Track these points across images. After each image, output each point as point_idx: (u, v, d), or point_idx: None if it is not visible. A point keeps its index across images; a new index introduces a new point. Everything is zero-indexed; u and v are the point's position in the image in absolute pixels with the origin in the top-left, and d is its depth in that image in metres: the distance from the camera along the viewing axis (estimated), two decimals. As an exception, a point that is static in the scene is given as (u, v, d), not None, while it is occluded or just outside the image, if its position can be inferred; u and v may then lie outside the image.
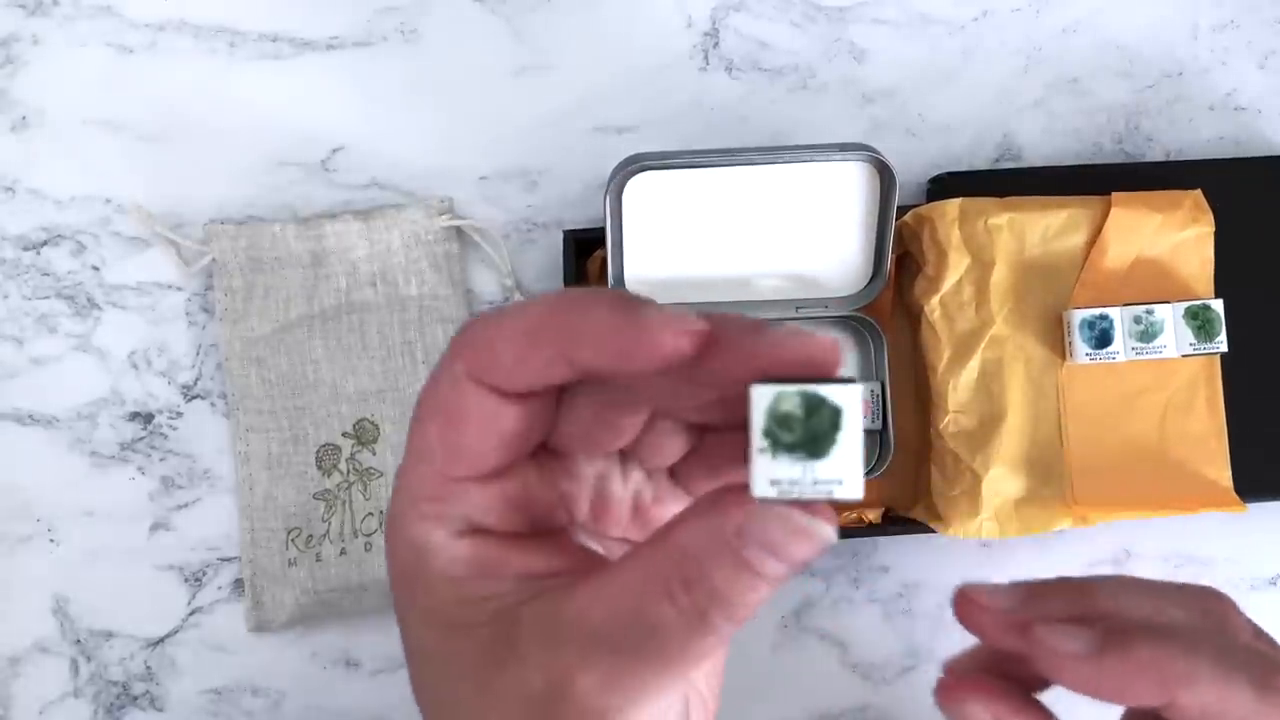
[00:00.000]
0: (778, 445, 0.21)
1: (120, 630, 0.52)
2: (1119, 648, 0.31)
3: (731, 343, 0.22)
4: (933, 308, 0.50)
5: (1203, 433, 0.51)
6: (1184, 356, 0.50)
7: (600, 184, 0.51)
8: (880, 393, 0.51)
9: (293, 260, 0.52)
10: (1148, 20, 0.57)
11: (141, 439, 0.53)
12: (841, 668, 0.54)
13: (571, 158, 0.55)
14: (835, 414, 0.21)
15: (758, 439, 0.21)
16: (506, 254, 0.54)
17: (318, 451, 0.52)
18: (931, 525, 0.50)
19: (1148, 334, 0.49)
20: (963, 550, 0.54)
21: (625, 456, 0.27)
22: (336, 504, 0.52)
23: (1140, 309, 0.49)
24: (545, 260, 0.54)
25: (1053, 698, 0.34)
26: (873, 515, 0.51)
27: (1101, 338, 0.49)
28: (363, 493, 0.52)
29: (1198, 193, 0.51)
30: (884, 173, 0.48)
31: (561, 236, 0.51)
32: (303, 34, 0.55)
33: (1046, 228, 0.50)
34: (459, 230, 0.53)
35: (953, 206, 0.50)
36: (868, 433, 0.51)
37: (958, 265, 0.50)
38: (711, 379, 0.23)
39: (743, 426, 0.22)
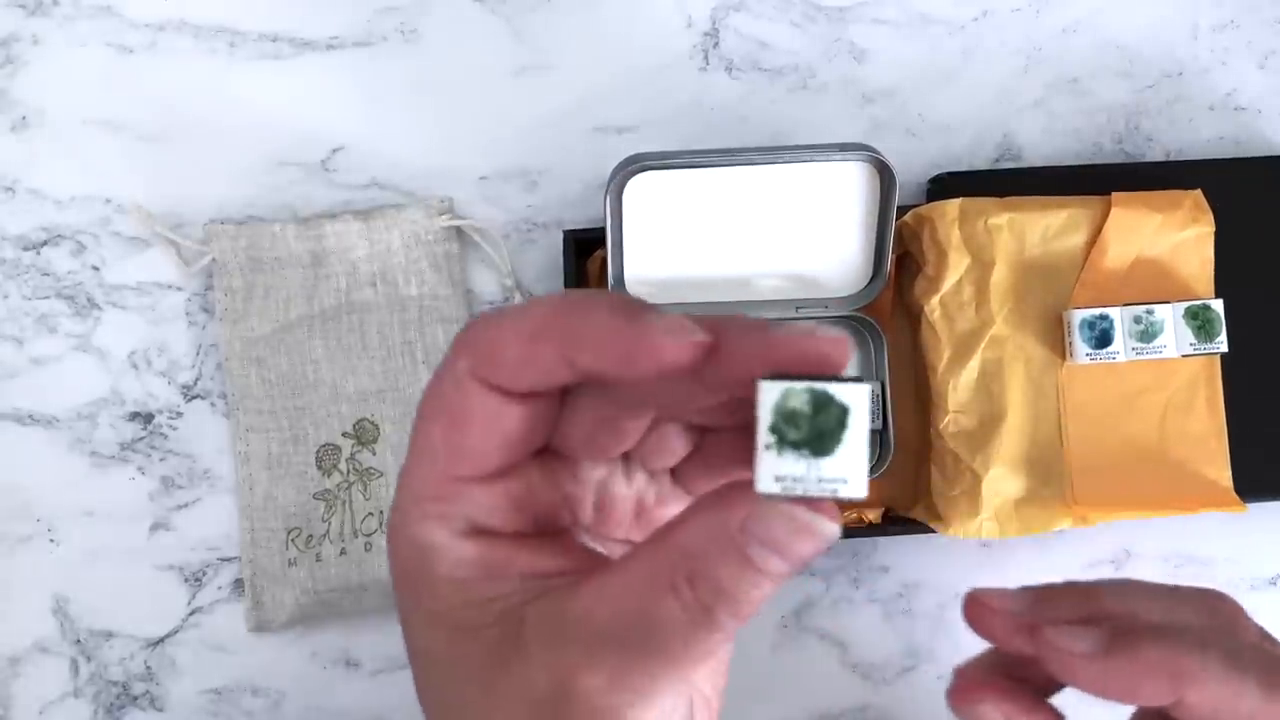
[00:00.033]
0: (783, 442, 0.21)
1: (120, 630, 0.52)
2: (1128, 647, 0.31)
3: (735, 347, 0.22)
4: (933, 308, 0.50)
5: (1203, 433, 0.51)
6: (1184, 356, 0.50)
7: (600, 184, 0.51)
8: (880, 393, 0.51)
9: (293, 260, 0.52)
10: (1148, 20, 0.57)
11: (141, 439, 0.53)
12: (841, 668, 0.54)
13: (571, 158, 0.55)
14: (843, 412, 0.21)
15: (764, 435, 0.21)
16: (506, 254, 0.54)
17: (318, 451, 0.52)
18: (931, 525, 0.50)
19: (1148, 334, 0.49)
20: (963, 550, 0.54)
21: (628, 458, 0.27)
22: (336, 504, 0.52)
23: (1140, 309, 0.49)
24: (545, 260, 0.54)
25: (1059, 704, 0.35)
26: (873, 515, 0.51)
27: (1101, 338, 0.49)
28: (363, 493, 0.52)
29: (1198, 193, 0.51)
30: (884, 173, 0.48)
31: (561, 236, 0.51)
32: (303, 34, 0.55)
33: (1046, 228, 0.50)
34: (459, 230, 0.53)
35: (953, 206, 0.50)
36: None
37: (958, 265, 0.50)
38: (715, 383, 0.23)
39: (746, 429, 0.22)
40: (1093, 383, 0.50)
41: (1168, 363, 0.50)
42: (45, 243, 0.53)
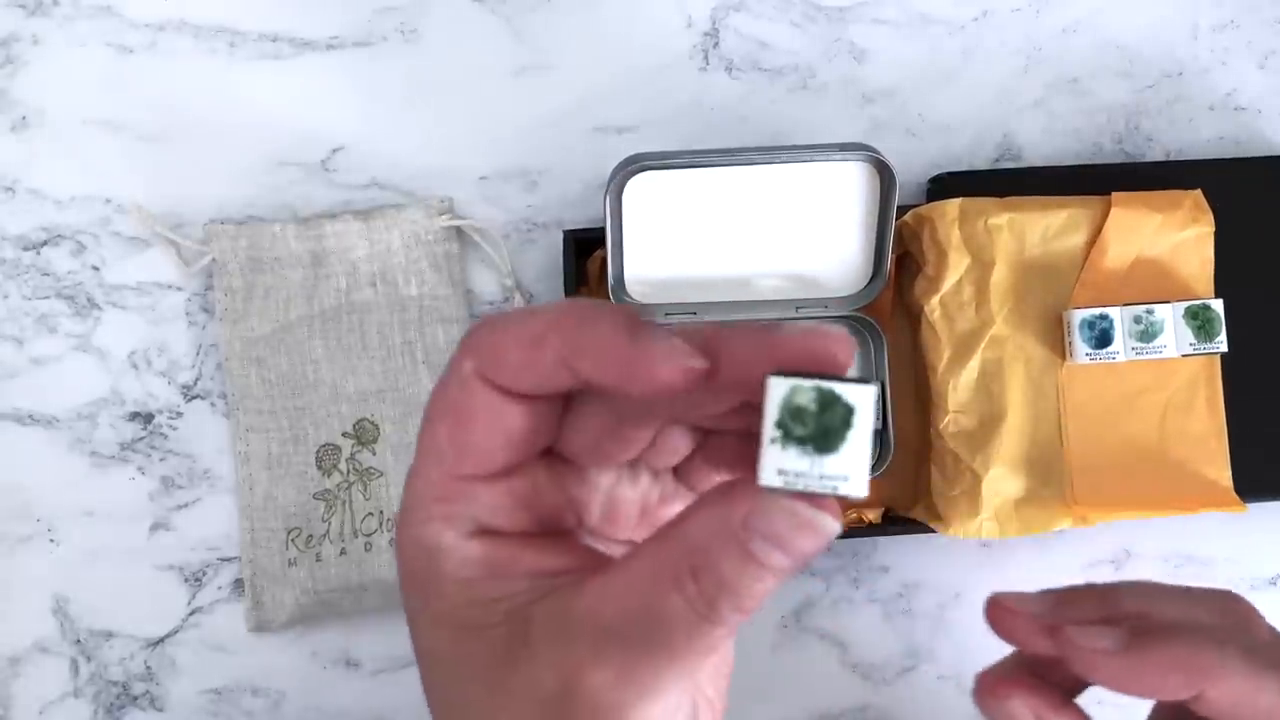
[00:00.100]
0: (788, 437, 0.22)
1: (120, 630, 0.52)
2: (1149, 644, 0.32)
3: (737, 356, 0.22)
4: (933, 308, 0.50)
5: (1203, 433, 0.51)
6: (1184, 356, 0.50)
7: (600, 184, 0.51)
8: (880, 393, 0.51)
9: (293, 260, 0.52)
10: (1148, 20, 0.57)
11: (141, 439, 0.53)
12: (841, 668, 0.54)
13: (571, 158, 0.55)
14: (848, 412, 0.22)
15: (769, 429, 0.22)
16: (506, 254, 0.54)
17: (318, 451, 0.52)
18: (931, 525, 0.50)
19: (1148, 334, 0.49)
20: (963, 550, 0.54)
21: (633, 461, 0.27)
22: (336, 504, 0.52)
23: (1140, 309, 0.49)
24: (545, 260, 0.54)
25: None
26: (873, 515, 0.51)
27: (1101, 338, 0.49)
28: (363, 493, 0.52)
29: (1198, 193, 0.51)
30: (884, 173, 0.48)
31: (561, 236, 0.51)
32: (303, 34, 0.55)
33: (1046, 228, 0.50)
34: (459, 230, 0.53)
35: (953, 206, 0.50)
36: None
37: (958, 265, 0.50)
38: (719, 392, 0.23)
39: (751, 434, 0.22)
40: (1093, 383, 0.50)
41: (1168, 363, 0.50)
42: (45, 243, 0.53)
